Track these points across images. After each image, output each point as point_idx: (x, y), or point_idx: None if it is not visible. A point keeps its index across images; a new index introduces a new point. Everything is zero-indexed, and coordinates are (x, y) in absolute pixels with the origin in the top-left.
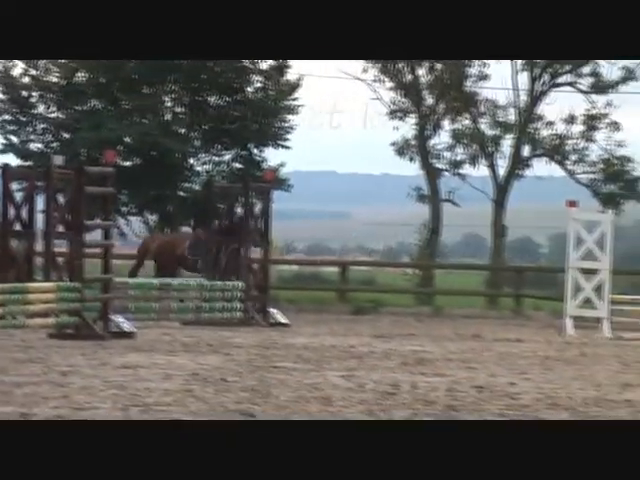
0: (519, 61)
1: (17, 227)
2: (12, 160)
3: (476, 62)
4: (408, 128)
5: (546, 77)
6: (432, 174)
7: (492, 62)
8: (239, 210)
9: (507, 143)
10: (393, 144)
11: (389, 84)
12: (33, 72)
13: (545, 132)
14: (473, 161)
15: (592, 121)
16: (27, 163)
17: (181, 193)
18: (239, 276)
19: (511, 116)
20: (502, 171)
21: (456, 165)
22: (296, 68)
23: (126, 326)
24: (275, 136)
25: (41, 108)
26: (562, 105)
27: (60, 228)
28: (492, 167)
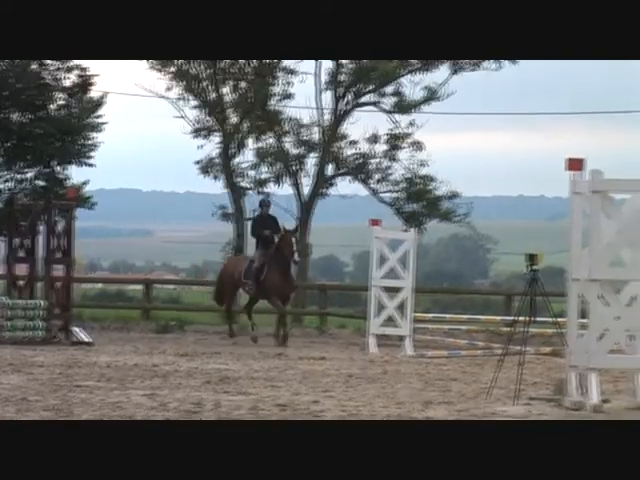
0: (323, 80)
1: None
2: None
3: (280, 81)
4: (212, 146)
5: (349, 96)
6: (236, 192)
7: (295, 81)
8: (41, 228)
9: (311, 162)
10: (197, 162)
11: (193, 102)
12: None
13: (349, 151)
14: (277, 180)
15: (395, 140)
16: None
17: None
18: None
19: (315, 135)
20: (307, 190)
21: (260, 184)
22: (99, 86)
23: None
24: (78, 154)
25: None
26: (366, 124)
27: None
28: (296, 186)
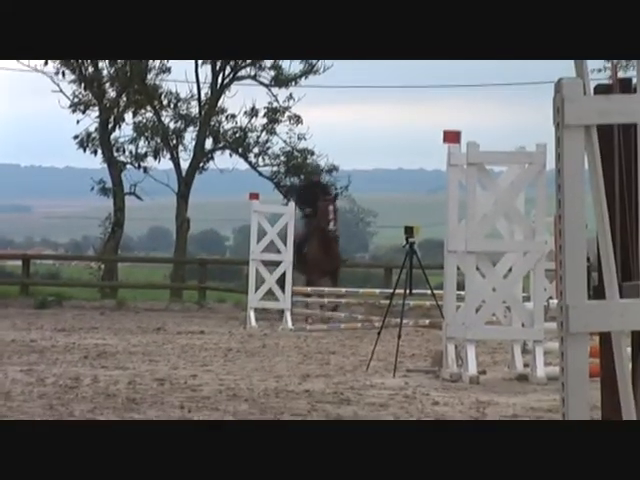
0: None
1: None
2: None
3: None
4: (91, 121)
5: (228, 70)
6: (115, 167)
7: None
8: None
9: (190, 136)
10: (76, 137)
11: (70, 76)
12: None
13: (227, 125)
14: (156, 154)
15: (274, 114)
16: None
17: None
18: None
19: (193, 109)
20: (186, 164)
21: (139, 158)
22: None
23: None
24: None
25: None
26: (244, 98)
27: None
28: (175, 160)
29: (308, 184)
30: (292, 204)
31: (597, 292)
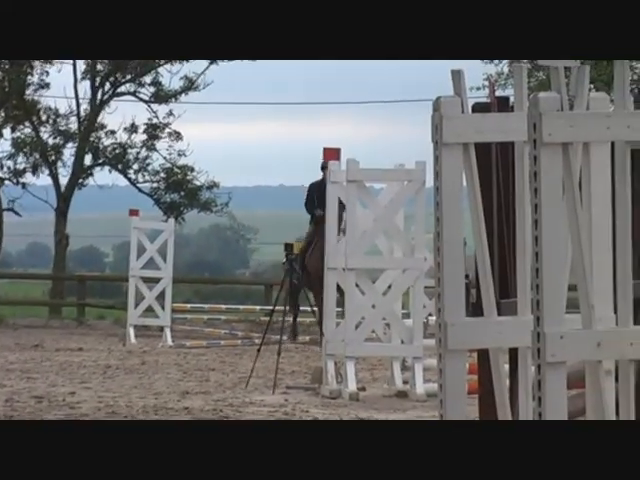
0: (80, 69)
1: None
2: None
3: (36, 70)
4: None
5: (107, 86)
6: None
7: (52, 70)
8: None
9: (69, 152)
10: None
11: None
12: None
13: (107, 141)
14: (35, 170)
15: (154, 130)
16: None
17: None
18: None
19: (73, 125)
20: (65, 180)
21: (17, 174)
22: None
23: None
24: None
25: None
26: (125, 114)
27: None
28: (54, 176)
29: (322, 182)
30: (172, 221)
31: (475, 309)
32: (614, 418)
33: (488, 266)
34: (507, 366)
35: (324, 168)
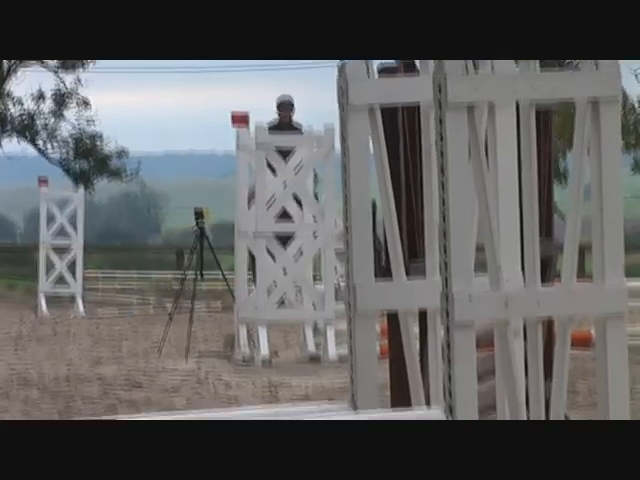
0: None
1: None
2: None
3: None
4: None
5: None
6: None
7: None
8: None
9: None
10: None
11: None
12: None
13: (14, 110)
14: None
15: (62, 99)
16: None
17: None
18: None
19: None
20: None
21: None
22: None
23: None
24: None
25: None
26: (32, 82)
27: None
28: None
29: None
30: (81, 189)
31: (386, 272)
32: (523, 378)
33: (396, 229)
34: (417, 328)
35: (279, 108)
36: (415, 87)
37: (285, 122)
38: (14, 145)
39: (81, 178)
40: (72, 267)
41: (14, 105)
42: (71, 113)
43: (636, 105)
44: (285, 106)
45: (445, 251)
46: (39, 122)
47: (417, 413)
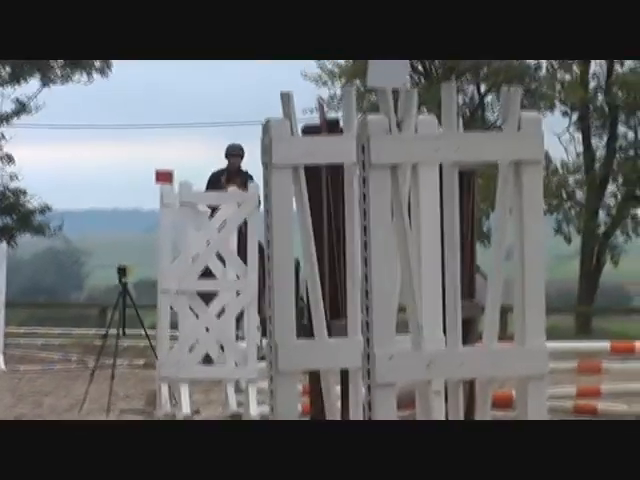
0: None
1: None
2: None
3: None
4: None
5: None
6: None
7: None
8: None
9: None
10: None
11: None
12: None
13: None
14: None
15: None
16: None
17: None
18: None
19: None
20: None
21: None
22: None
23: None
24: None
25: None
26: None
27: None
28: None
29: (225, 169)
30: (4, 245)
31: (309, 331)
32: None
33: (318, 287)
34: (339, 387)
35: (228, 155)
36: (338, 146)
37: (234, 169)
38: None
39: (4, 234)
40: None
41: None
42: None
43: (559, 167)
44: (235, 152)
45: (367, 311)
46: None
47: None
